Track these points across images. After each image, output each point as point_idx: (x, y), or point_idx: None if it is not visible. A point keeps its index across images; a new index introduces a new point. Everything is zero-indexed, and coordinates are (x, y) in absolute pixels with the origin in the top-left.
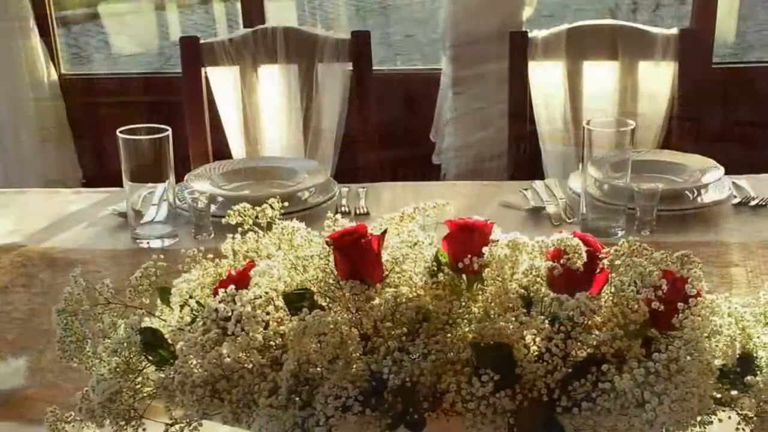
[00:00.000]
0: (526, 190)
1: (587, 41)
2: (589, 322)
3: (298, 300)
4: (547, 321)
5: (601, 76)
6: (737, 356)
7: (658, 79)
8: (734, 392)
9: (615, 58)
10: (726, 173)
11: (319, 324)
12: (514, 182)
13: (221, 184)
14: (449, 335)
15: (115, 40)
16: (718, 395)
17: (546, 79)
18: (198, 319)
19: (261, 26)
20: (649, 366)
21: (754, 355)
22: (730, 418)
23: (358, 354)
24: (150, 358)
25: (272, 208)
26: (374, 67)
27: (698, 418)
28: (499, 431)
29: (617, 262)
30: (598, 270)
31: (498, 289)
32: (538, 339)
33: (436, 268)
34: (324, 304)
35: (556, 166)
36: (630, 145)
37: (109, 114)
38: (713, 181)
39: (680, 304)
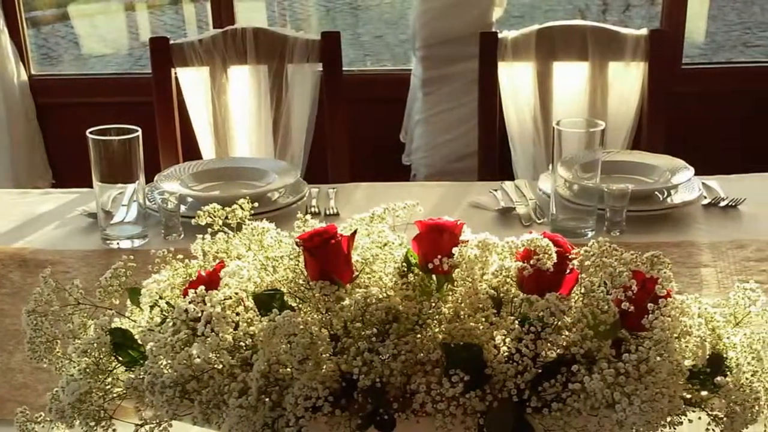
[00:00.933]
0: (496, 190)
1: (557, 42)
2: (559, 323)
3: (268, 301)
4: (517, 321)
5: (571, 77)
6: (707, 357)
7: (628, 80)
8: (704, 393)
9: (585, 58)
10: (696, 174)
11: (289, 324)
12: (484, 183)
13: (191, 185)
14: (419, 336)
15: (84, 40)
16: (688, 396)
17: (516, 79)
18: (168, 320)
19: (231, 27)
20: (619, 366)
21: (724, 355)
22: (700, 418)
23: (328, 354)
24: (120, 358)
25: (242, 208)
26: (344, 68)
27: (668, 419)
28: None
29: (587, 262)
30: (568, 271)
31: (468, 289)
32: (508, 339)
33: (406, 269)
34: (294, 304)
35: (526, 167)
36: (600, 145)
37: (79, 115)
38: (683, 182)
39: (650, 305)
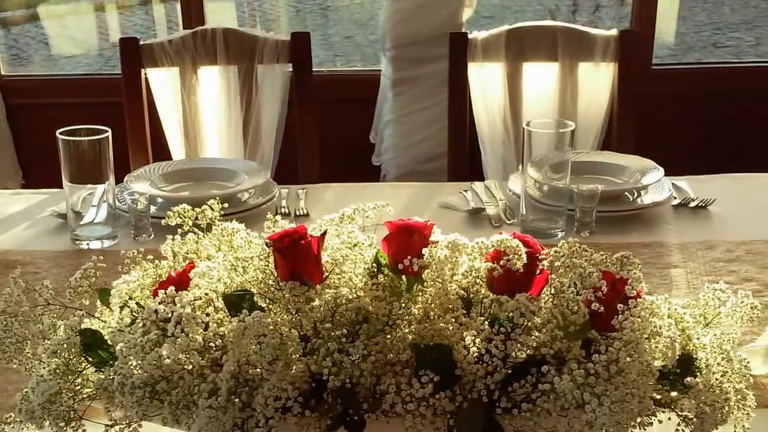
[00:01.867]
0: (466, 191)
1: (527, 42)
2: (529, 324)
3: (238, 301)
4: (486, 322)
5: (541, 77)
6: (677, 357)
7: (598, 81)
8: (674, 393)
9: (555, 59)
10: (666, 175)
11: (258, 325)
12: (454, 183)
13: (161, 186)
14: (389, 336)
15: (55, 41)
16: (658, 396)
17: (486, 80)
18: (138, 321)
19: (201, 27)
20: (589, 367)
21: (694, 356)
22: (669, 419)
23: (297, 355)
24: (90, 359)
25: (212, 209)
26: (314, 69)
27: (638, 419)
28: None
29: (557, 263)
30: (537, 271)
31: (438, 290)
32: (477, 340)
33: (375, 270)
34: (264, 305)
35: (496, 168)
36: (570, 146)
37: (49, 115)
38: (653, 183)
39: (620, 306)
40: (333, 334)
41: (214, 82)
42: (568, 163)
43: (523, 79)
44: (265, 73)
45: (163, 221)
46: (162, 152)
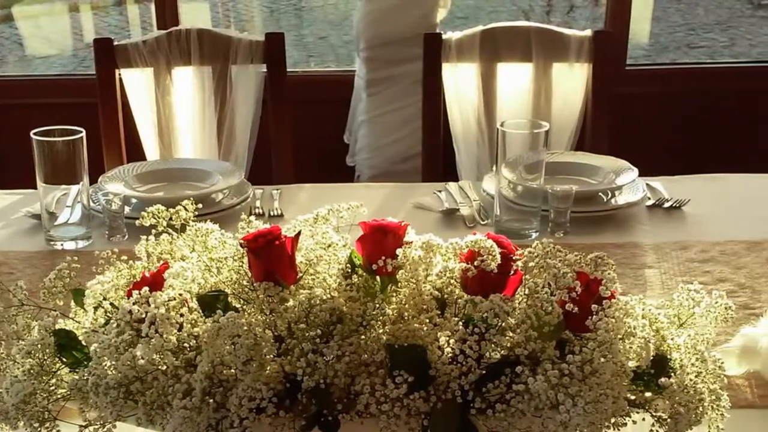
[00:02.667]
0: (440, 191)
1: (501, 43)
2: (503, 324)
3: (212, 302)
4: (461, 323)
5: (515, 78)
6: (651, 358)
7: (572, 81)
8: (648, 394)
9: (529, 59)
10: (640, 175)
11: (233, 326)
12: (428, 184)
13: (135, 186)
14: (363, 337)
15: (29, 41)
16: (633, 397)
17: (460, 80)
18: (112, 321)
19: (175, 28)
20: (563, 368)
21: (668, 356)
22: (644, 419)
23: (272, 356)
24: (64, 359)
25: (186, 209)
26: (288, 69)
27: (612, 420)
28: None
29: (531, 264)
30: (512, 272)
31: (412, 290)
32: (452, 341)
33: (350, 270)
34: (238, 305)
35: (470, 168)
36: (544, 146)
37: (23, 115)
38: (627, 183)
39: (594, 306)
40: (307, 334)
41: (188, 82)
42: (542, 164)
43: (498, 80)
44: (239, 74)
45: (137, 222)
46: (136, 153)
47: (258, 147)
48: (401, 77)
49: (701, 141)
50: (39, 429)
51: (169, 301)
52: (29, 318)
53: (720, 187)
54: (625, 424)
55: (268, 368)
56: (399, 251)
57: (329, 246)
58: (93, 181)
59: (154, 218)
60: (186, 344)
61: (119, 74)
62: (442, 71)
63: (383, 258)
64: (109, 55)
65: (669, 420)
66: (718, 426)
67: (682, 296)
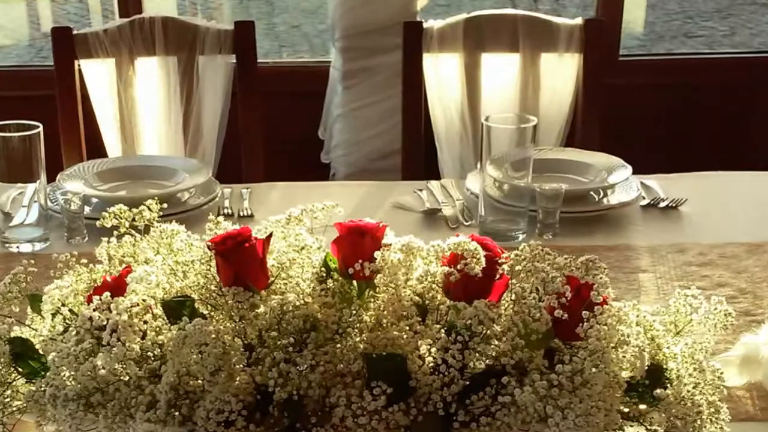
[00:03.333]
0: (420, 190)
1: (486, 32)
2: (488, 332)
3: (177, 308)
4: (443, 330)
5: (500, 69)
6: (646, 368)
7: (561, 73)
8: (643, 406)
9: (516, 50)
10: (634, 173)
11: (200, 333)
12: (408, 182)
13: (96, 185)
14: (339, 345)
15: None
16: (626, 409)
17: (442, 72)
18: (71, 329)
19: (138, 16)
20: (552, 378)
21: (664, 366)
22: None
23: (241, 365)
24: (20, 369)
25: (150, 209)
26: (259, 60)
27: None
28: None
29: (518, 267)
30: (497, 276)
31: (391, 296)
32: (433, 349)
33: (324, 274)
34: (205, 312)
35: (453, 166)
36: (531, 142)
37: None
38: (620, 182)
39: (585, 313)
40: (279, 343)
41: (152, 74)
42: (529, 161)
43: (482, 71)
44: (207, 65)
45: (98, 223)
46: (97, 149)
47: (227, 143)
48: (379, 68)
49: (699, 136)
50: None
51: (131, 307)
52: None
53: (719, 186)
54: None
55: (238, 379)
56: (377, 254)
57: (302, 249)
58: (51, 179)
59: (116, 219)
60: (150, 353)
61: (79, 65)
62: (423, 62)
63: (360, 261)
64: (68, 44)
65: None
66: None
67: (678, 302)
